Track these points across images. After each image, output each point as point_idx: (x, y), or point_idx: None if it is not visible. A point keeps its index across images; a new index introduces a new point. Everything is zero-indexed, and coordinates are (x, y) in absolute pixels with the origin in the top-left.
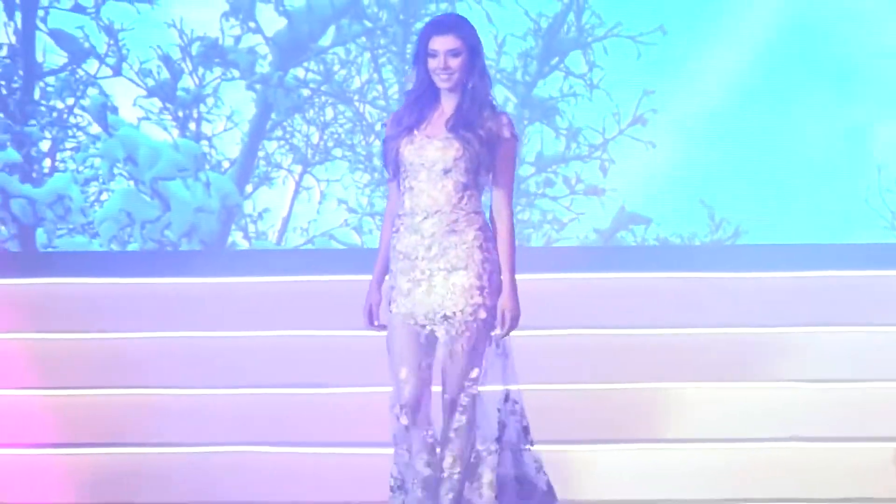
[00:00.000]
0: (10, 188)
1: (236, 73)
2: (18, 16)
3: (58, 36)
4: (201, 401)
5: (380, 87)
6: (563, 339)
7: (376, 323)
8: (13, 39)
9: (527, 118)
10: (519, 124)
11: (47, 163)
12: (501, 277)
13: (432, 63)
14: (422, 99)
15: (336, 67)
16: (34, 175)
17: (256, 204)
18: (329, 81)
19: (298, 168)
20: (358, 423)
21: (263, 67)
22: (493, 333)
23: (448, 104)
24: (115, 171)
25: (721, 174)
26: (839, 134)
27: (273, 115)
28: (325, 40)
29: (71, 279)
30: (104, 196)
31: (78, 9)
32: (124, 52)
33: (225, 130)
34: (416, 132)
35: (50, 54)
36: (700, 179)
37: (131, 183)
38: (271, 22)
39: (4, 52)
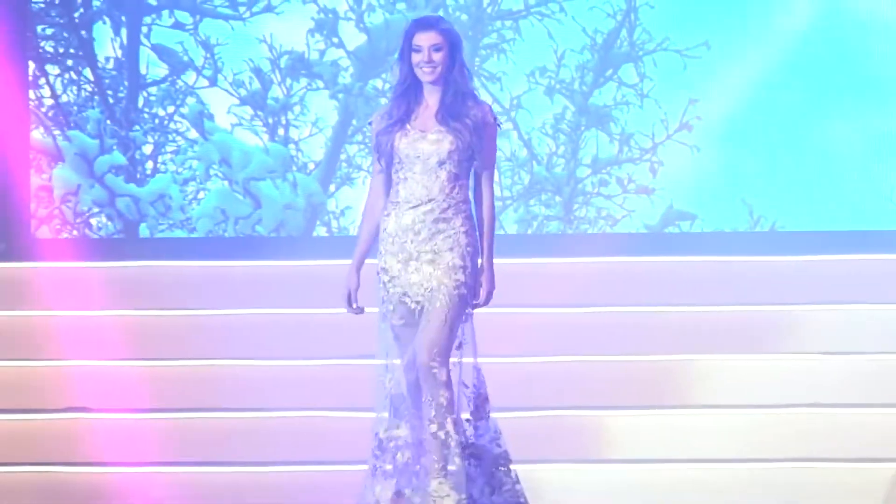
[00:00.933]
0: (116, 188)
1: (321, 84)
2: (124, 32)
3: (159, 50)
4: (281, 371)
5: None
6: (614, 316)
7: (354, 306)
8: (119, 53)
9: (584, 125)
10: (576, 130)
11: (150, 165)
12: (480, 259)
13: (416, 58)
14: (407, 93)
15: None
16: (138, 176)
17: (339, 202)
18: None
19: None
20: None
21: (345, 79)
22: (473, 303)
23: (432, 98)
24: (211, 172)
25: (759, 175)
26: (866, 139)
27: (354, 122)
28: None
29: (162, 262)
30: (201, 195)
31: (177, 25)
32: (219, 64)
33: (310, 135)
34: (408, 126)
35: (152, 67)
36: (740, 180)
37: (226, 183)
38: (352, 37)
39: (111, 65)
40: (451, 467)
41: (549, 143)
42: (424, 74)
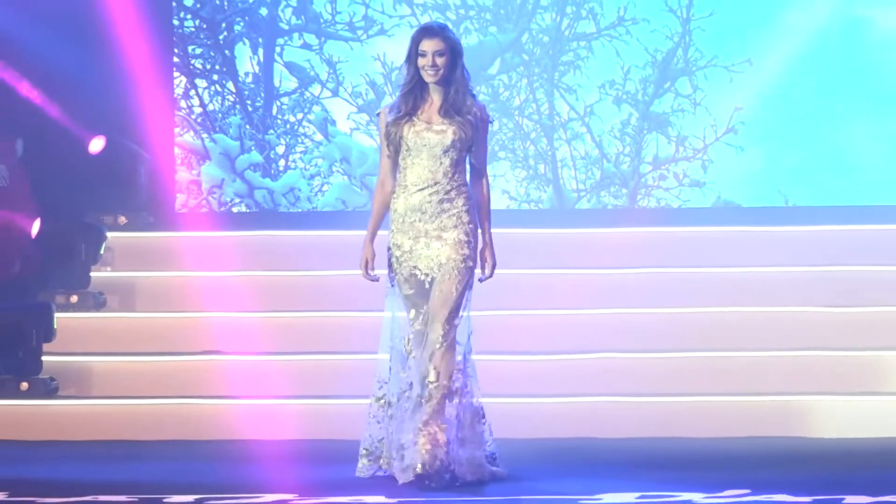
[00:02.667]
0: (254, 182)
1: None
2: (261, 51)
3: (290, 66)
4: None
5: (534, 105)
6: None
7: (372, 273)
8: (256, 69)
9: (646, 128)
10: (639, 133)
11: (282, 163)
12: (481, 233)
13: (422, 61)
14: (413, 90)
15: (501, 90)
16: (272, 171)
17: None
18: (496, 101)
19: None
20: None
21: None
22: (478, 278)
23: (436, 96)
24: (334, 168)
25: (794, 171)
26: (883, 136)
27: None
28: (493, 69)
29: (284, 232)
30: (325, 188)
31: (305, 46)
32: (340, 78)
33: None
34: (415, 119)
35: (284, 80)
36: (778, 174)
37: (346, 178)
38: None
39: (250, 79)
40: (430, 411)
41: (617, 144)
42: (428, 76)
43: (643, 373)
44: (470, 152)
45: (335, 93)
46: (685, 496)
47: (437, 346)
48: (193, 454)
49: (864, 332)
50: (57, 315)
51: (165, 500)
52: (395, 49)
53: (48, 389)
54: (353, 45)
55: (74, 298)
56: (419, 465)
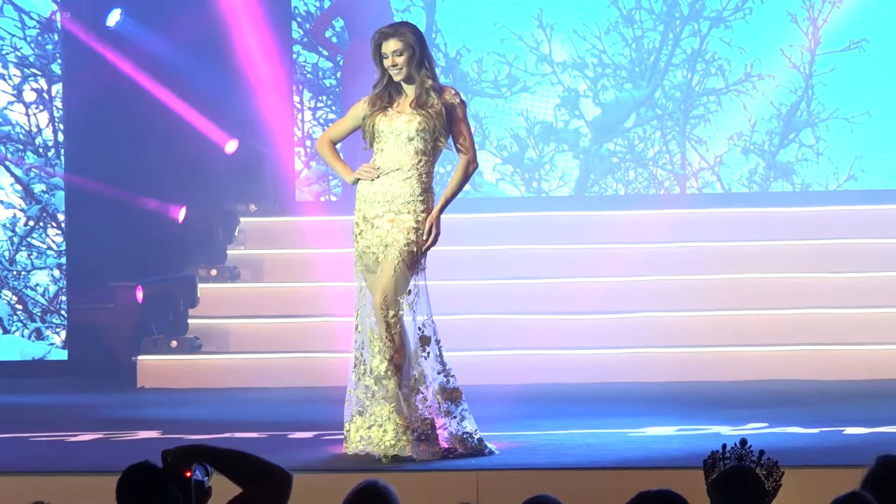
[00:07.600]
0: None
1: (566, 147)
2: None
3: None
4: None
5: (667, 156)
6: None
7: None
8: None
9: (772, 177)
10: (766, 181)
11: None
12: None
13: (385, 62)
14: (388, 87)
15: (636, 142)
16: None
17: None
18: (631, 152)
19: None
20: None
21: (584, 143)
22: (423, 246)
23: (410, 91)
24: None
25: None
26: None
27: (591, 176)
28: (628, 123)
29: None
30: None
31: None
32: (486, 132)
33: (557, 187)
34: (389, 110)
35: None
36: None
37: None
38: (590, 111)
39: None
40: (391, 394)
41: (745, 191)
42: (394, 75)
43: (679, 329)
44: (438, 141)
45: (481, 146)
46: (715, 428)
47: (385, 334)
48: (311, 398)
49: (856, 294)
50: (200, 285)
51: (289, 436)
52: (536, 105)
53: (193, 346)
54: (497, 101)
55: (214, 272)
56: (384, 457)
